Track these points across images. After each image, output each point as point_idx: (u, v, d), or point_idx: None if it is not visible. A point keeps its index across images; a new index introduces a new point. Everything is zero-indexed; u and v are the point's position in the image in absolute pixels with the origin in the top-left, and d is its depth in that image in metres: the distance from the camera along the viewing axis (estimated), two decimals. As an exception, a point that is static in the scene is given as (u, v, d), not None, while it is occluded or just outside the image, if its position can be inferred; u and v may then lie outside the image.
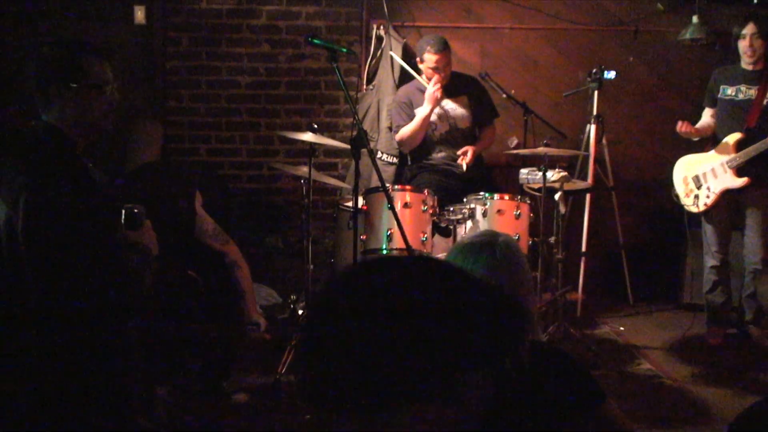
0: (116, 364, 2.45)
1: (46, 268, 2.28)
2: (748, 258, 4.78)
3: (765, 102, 4.63)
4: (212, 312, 3.80)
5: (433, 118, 4.93)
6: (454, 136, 5.00)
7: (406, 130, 4.96)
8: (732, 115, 4.75)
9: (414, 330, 1.08)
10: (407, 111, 5.00)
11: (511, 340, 1.15)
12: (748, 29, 4.64)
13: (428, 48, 4.83)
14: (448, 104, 4.98)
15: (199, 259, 3.87)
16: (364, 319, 1.10)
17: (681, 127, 4.79)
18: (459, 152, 4.90)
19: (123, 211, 2.50)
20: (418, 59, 4.95)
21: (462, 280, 1.16)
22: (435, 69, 4.85)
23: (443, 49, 4.84)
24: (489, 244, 2.01)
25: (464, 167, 4.83)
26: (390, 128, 5.64)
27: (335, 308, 1.15)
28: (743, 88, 4.71)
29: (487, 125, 5.14)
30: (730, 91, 4.77)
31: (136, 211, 2.51)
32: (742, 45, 4.68)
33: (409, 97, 5.03)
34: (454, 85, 4.98)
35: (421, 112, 4.88)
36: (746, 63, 4.71)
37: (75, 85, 2.41)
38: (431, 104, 4.80)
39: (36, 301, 2.28)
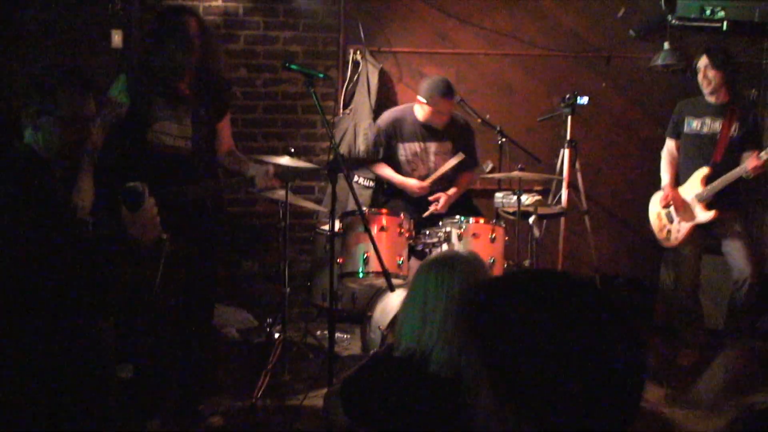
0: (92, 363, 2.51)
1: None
2: (738, 275, 4.76)
3: (730, 135, 4.72)
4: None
5: (413, 158, 4.90)
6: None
7: (378, 171, 5.04)
8: (698, 148, 4.82)
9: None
10: (380, 142, 4.94)
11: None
12: (702, 62, 4.75)
13: (442, 95, 4.71)
14: (432, 147, 4.90)
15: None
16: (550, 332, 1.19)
17: (667, 199, 4.89)
18: (431, 198, 4.82)
19: (123, 190, 2.46)
20: (425, 100, 4.77)
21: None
22: (440, 113, 4.76)
23: (453, 95, 4.79)
24: (458, 257, 2.21)
25: (429, 211, 4.78)
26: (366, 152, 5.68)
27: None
28: (708, 120, 4.79)
29: (466, 171, 5.01)
30: (695, 124, 4.84)
31: (136, 187, 2.46)
32: (699, 78, 4.78)
33: (393, 126, 4.91)
34: (444, 128, 4.90)
35: (399, 180, 4.88)
36: (706, 95, 4.79)
37: (45, 115, 2.44)
38: (411, 190, 4.83)
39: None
